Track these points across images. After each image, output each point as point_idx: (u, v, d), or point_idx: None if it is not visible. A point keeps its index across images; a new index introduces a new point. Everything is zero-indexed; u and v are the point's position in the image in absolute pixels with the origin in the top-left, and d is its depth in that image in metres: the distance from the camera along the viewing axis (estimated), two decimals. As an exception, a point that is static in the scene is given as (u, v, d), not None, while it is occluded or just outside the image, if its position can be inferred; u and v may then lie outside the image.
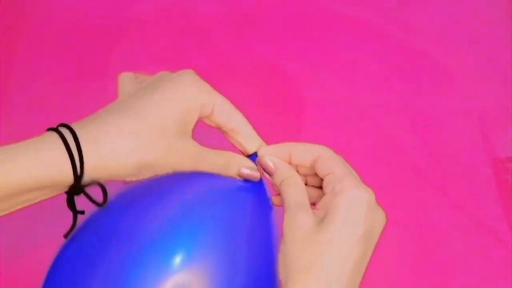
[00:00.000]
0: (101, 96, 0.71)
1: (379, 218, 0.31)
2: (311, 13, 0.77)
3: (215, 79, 0.64)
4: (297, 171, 0.34)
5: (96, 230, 0.30)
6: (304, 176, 0.35)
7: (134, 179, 0.31)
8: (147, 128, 0.30)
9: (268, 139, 0.64)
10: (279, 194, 0.34)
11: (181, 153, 0.31)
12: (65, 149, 0.28)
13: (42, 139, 0.28)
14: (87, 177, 0.29)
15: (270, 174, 0.34)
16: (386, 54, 0.72)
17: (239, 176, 0.34)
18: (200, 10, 0.76)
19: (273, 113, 0.66)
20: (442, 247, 0.57)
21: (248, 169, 0.34)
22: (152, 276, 0.27)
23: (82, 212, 0.30)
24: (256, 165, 0.35)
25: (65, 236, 0.30)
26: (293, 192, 0.32)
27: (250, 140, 0.35)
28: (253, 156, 0.35)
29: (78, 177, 0.28)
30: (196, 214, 0.30)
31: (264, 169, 0.34)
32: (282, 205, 0.33)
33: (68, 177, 0.28)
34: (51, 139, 0.28)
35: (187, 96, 0.32)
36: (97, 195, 0.29)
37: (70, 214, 0.34)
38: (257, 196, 0.35)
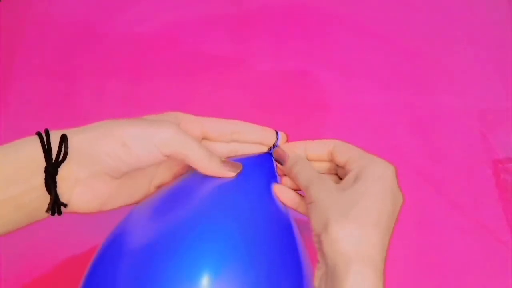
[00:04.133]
0: (101, 96, 0.71)
1: (400, 194, 0.32)
2: (310, 12, 0.77)
3: (208, 77, 0.63)
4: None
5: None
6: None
7: (111, 162, 0.30)
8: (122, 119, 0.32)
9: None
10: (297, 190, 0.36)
11: (161, 125, 0.31)
12: (35, 136, 0.29)
13: (19, 140, 0.30)
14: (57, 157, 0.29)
15: (283, 163, 0.36)
16: (385, 54, 0.73)
17: (223, 168, 0.34)
18: (199, 10, 0.76)
19: (272, 116, 0.66)
20: (441, 247, 0.57)
21: (229, 164, 0.35)
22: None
23: (64, 205, 0.30)
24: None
25: (46, 211, 0.30)
26: (308, 169, 0.34)
27: (251, 132, 0.37)
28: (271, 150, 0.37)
29: (47, 149, 0.28)
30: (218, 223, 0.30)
31: (278, 158, 0.36)
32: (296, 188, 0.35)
33: (39, 156, 0.29)
34: (26, 138, 0.30)
35: (163, 115, 0.35)
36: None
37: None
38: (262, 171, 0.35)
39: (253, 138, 0.37)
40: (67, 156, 0.29)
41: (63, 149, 0.29)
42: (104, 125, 0.30)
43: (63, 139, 0.29)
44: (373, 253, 0.29)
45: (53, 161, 0.29)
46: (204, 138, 0.37)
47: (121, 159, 0.30)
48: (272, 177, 0.36)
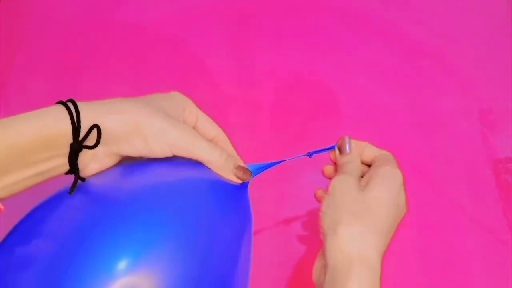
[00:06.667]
0: (101, 95, 0.71)
1: (404, 206, 0.35)
2: (312, 12, 0.77)
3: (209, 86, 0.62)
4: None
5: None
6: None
7: (127, 148, 0.33)
8: (144, 104, 0.33)
9: (267, 138, 0.64)
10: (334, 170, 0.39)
11: (178, 127, 0.33)
12: (64, 108, 0.31)
13: (44, 108, 0.32)
14: (84, 131, 0.31)
15: (341, 153, 0.39)
16: (385, 55, 0.73)
17: (233, 171, 0.36)
18: (199, 10, 0.76)
19: (273, 114, 0.66)
20: (441, 247, 0.57)
21: (241, 170, 0.36)
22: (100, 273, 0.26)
23: (83, 179, 0.32)
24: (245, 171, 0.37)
25: (70, 192, 0.31)
26: (352, 168, 0.37)
27: (227, 147, 0.39)
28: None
29: (76, 127, 0.30)
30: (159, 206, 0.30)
31: (342, 147, 0.39)
32: (332, 176, 0.39)
33: (66, 131, 0.30)
34: (53, 107, 0.31)
35: (174, 100, 0.36)
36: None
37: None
38: (237, 195, 0.35)
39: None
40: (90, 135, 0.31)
41: (90, 133, 0.31)
42: (132, 114, 0.32)
43: (96, 127, 0.31)
44: (373, 255, 0.32)
45: (81, 141, 0.31)
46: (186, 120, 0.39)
47: (137, 149, 0.33)
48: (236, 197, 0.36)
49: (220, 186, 0.35)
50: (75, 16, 0.76)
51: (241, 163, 0.37)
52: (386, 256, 0.56)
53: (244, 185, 0.37)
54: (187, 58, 0.71)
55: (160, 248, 0.28)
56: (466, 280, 0.54)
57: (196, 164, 0.35)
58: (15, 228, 0.31)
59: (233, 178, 0.36)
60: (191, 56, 0.72)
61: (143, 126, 0.32)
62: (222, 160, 0.35)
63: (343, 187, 0.34)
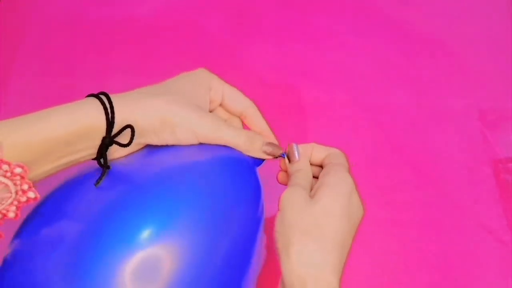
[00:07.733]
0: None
1: (357, 209, 0.34)
2: (310, 9, 0.77)
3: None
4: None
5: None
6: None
7: (155, 139, 0.34)
8: (171, 95, 0.34)
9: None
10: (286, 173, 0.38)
11: (203, 117, 0.34)
12: (97, 101, 0.31)
13: (79, 101, 0.32)
14: (117, 126, 0.32)
15: (290, 161, 0.38)
16: (385, 55, 0.73)
17: (262, 149, 0.37)
18: (197, 9, 0.76)
19: (271, 113, 0.66)
20: (441, 247, 0.57)
21: (271, 146, 0.37)
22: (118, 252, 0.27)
23: (108, 167, 0.33)
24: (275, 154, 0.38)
25: (96, 184, 0.31)
26: (302, 177, 0.36)
27: (257, 121, 0.39)
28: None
29: (110, 122, 0.31)
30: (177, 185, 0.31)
31: (290, 155, 0.38)
32: (286, 183, 0.38)
33: (101, 125, 0.31)
34: (86, 99, 0.32)
35: (199, 80, 0.37)
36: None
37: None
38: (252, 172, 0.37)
39: (254, 129, 0.39)
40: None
41: (123, 131, 0.31)
42: (160, 107, 0.33)
43: (130, 127, 0.31)
44: (327, 274, 0.30)
45: (113, 137, 0.31)
46: (213, 100, 0.39)
47: (164, 140, 0.34)
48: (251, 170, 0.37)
49: (235, 164, 0.36)
50: (75, 16, 0.76)
51: (271, 139, 0.38)
52: (386, 256, 0.56)
53: (254, 166, 0.38)
54: (187, 55, 0.71)
55: (183, 219, 0.29)
56: (466, 280, 0.54)
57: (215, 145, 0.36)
58: (37, 209, 0.31)
59: (262, 155, 0.37)
60: (190, 53, 0.72)
61: (171, 119, 0.33)
62: (248, 143, 0.36)
63: (291, 201, 0.33)
